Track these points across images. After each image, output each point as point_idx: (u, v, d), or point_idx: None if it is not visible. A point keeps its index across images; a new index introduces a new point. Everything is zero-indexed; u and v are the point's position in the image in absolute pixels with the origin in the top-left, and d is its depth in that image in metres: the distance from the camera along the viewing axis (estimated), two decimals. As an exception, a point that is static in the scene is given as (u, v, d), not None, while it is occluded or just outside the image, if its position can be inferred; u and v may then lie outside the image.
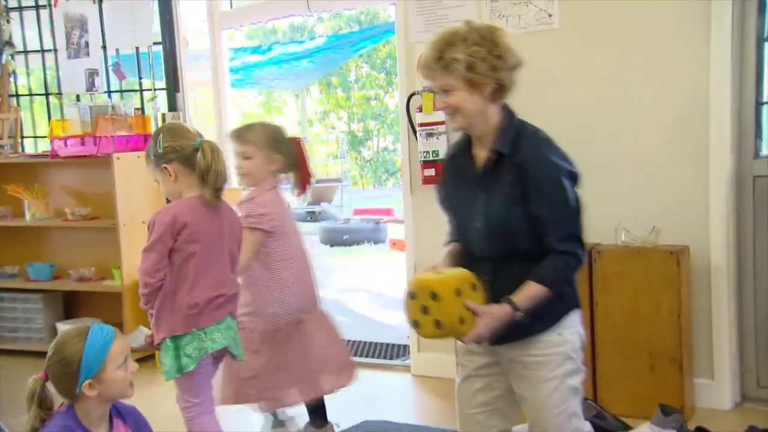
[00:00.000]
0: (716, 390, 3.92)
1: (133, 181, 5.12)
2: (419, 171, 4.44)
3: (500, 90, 2.69)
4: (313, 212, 12.39)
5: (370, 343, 5.45)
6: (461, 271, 2.60)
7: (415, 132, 4.46)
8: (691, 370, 3.85)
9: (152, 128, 5.35)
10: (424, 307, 2.48)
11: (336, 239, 11.43)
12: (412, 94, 4.46)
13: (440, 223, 4.33)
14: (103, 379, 2.47)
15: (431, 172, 4.37)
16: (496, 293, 2.63)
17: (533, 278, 2.62)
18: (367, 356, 5.22)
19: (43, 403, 2.43)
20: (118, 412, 2.59)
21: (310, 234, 10.49)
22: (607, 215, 3.95)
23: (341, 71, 18.93)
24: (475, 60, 2.63)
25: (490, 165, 2.73)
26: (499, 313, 2.56)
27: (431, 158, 4.38)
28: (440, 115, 4.31)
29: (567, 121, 4.06)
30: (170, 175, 3.05)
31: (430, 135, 4.38)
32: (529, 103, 4.11)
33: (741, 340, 3.97)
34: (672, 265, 3.73)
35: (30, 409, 2.43)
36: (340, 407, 3.84)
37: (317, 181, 14.54)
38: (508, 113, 2.77)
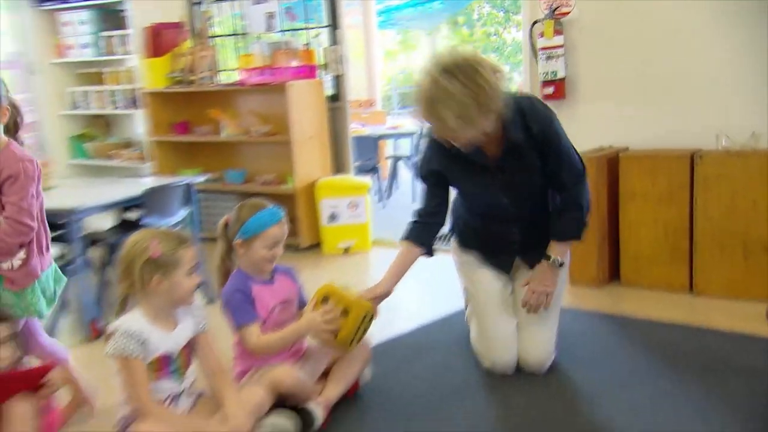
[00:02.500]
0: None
1: (302, 104, 5.18)
2: (539, 89, 4.29)
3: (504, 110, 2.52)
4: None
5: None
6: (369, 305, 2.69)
7: (536, 55, 4.30)
8: (780, 258, 3.66)
9: (317, 60, 5.39)
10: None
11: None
12: (535, 22, 4.27)
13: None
14: (249, 248, 2.57)
15: (550, 90, 4.24)
16: (528, 245, 2.87)
17: (566, 235, 2.81)
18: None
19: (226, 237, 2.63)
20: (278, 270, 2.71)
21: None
22: (709, 123, 3.77)
23: (466, 11, 18.64)
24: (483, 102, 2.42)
25: (506, 152, 2.67)
26: (550, 269, 2.80)
27: (550, 78, 4.23)
28: (559, 40, 4.17)
29: (670, 39, 3.85)
30: None
31: (549, 57, 4.22)
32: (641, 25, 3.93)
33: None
34: (768, 165, 3.52)
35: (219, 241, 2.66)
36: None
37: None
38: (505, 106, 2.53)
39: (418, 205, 2.95)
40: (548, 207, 2.87)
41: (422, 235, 2.88)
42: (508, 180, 2.74)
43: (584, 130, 4.16)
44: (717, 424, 2.41)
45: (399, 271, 2.88)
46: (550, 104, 4.17)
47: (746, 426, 2.39)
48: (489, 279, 2.97)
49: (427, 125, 2.64)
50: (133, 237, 2.33)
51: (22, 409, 2.08)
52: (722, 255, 3.67)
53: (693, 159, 3.68)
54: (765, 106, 3.67)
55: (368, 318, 2.63)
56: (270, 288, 2.65)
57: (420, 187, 2.98)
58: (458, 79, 2.38)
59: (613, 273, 4.04)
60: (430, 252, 2.91)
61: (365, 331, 2.64)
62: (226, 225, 2.66)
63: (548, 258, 2.80)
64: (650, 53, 3.97)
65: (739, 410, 2.50)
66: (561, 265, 2.82)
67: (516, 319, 2.92)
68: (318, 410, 2.52)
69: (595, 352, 3.08)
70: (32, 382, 2.10)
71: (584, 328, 3.34)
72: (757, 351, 3.00)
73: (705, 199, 3.67)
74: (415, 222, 2.91)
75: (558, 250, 2.81)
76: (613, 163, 3.93)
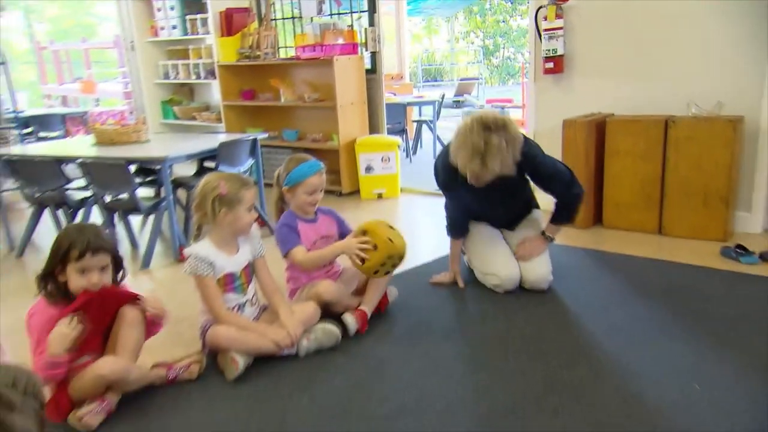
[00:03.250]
0: (751, 219, 3.66)
1: (345, 75, 5.10)
2: (542, 64, 4.15)
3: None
4: (458, 101, 12.02)
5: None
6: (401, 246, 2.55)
7: (540, 35, 4.14)
8: (734, 206, 3.58)
9: (358, 39, 5.27)
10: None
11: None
12: (540, 8, 4.10)
13: (554, 106, 4.12)
14: (294, 193, 2.57)
15: (551, 65, 4.09)
16: (514, 218, 3.03)
17: (559, 221, 2.88)
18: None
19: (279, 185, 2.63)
20: (321, 210, 2.70)
21: (455, 117, 10.29)
22: (681, 93, 3.65)
23: (480, 1, 18.34)
24: (506, 155, 2.52)
25: (501, 180, 2.65)
26: (543, 240, 2.91)
27: (551, 55, 4.07)
28: (560, 23, 4.02)
29: (652, 24, 3.70)
30: None
31: (551, 38, 4.05)
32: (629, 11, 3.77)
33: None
34: (730, 130, 3.38)
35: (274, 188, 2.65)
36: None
37: (461, 79, 14.32)
38: None
39: (447, 212, 3.02)
40: (529, 202, 3.02)
41: (460, 231, 3.03)
42: (501, 197, 2.83)
43: (578, 98, 4.06)
44: (680, 338, 2.38)
45: (456, 258, 3.06)
46: (550, 77, 4.13)
47: (702, 340, 2.35)
48: (484, 225, 3.05)
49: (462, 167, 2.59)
50: (207, 178, 2.36)
51: (133, 314, 2.13)
52: (687, 203, 3.58)
53: (667, 123, 3.56)
54: (729, 80, 3.53)
55: (395, 257, 2.52)
56: (313, 226, 2.65)
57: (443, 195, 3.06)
58: (499, 135, 2.48)
59: (597, 217, 3.96)
60: (466, 235, 3.04)
61: (392, 266, 2.55)
62: (278, 176, 2.65)
63: (543, 233, 2.90)
64: (635, 35, 3.81)
65: (697, 327, 2.46)
66: (552, 240, 2.91)
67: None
68: (350, 319, 2.53)
69: (582, 281, 3.04)
70: (134, 297, 2.14)
71: (572, 262, 3.30)
72: (712, 280, 2.95)
73: (676, 157, 3.56)
74: (450, 224, 3.02)
75: (552, 230, 2.92)
76: (601, 126, 3.82)
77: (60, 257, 1.97)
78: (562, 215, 2.89)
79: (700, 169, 3.49)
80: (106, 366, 1.96)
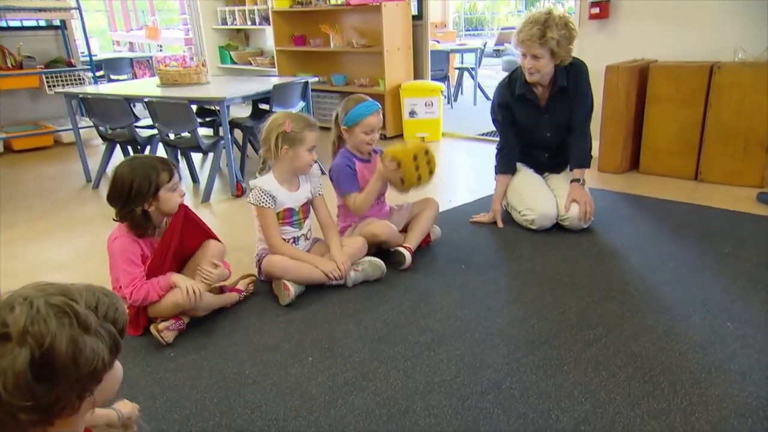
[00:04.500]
0: (789, 167, 3.43)
1: (392, 22, 4.93)
2: (587, 9, 3.90)
3: (565, 59, 2.69)
4: (498, 50, 11.57)
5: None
6: (417, 144, 2.49)
7: (586, -18, 3.89)
8: (772, 153, 3.35)
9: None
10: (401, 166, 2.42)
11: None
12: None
13: (598, 51, 3.89)
14: (352, 133, 2.50)
15: (596, 10, 3.83)
16: (556, 162, 2.99)
17: (583, 164, 2.87)
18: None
19: (337, 124, 2.59)
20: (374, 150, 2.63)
21: (495, 65, 9.93)
22: (727, 38, 3.39)
23: (522, -50, 17.32)
24: (561, 41, 2.60)
25: (552, 96, 2.78)
26: (580, 188, 2.82)
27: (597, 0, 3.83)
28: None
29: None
30: None
31: (597, -17, 3.81)
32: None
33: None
34: (774, 76, 3.15)
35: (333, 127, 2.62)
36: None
37: (502, 28, 13.75)
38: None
39: (499, 142, 3.01)
40: (565, 144, 2.96)
41: (508, 165, 2.98)
42: (551, 118, 2.84)
43: (622, 44, 3.82)
44: (710, 280, 2.29)
45: (499, 198, 3.00)
46: (595, 23, 3.90)
47: (735, 281, 2.25)
48: (527, 170, 3.01)
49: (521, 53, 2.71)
50: (275, 114, 2.34)
51: (215, 246, 2.19)
52: (725, 149, 3.39)
53: (712, 69, 3.33)
54: (777, 26, 3.26)
55: (419, 152, 2.42)
56: (368, 166, 2.60)
57: (496, 128, 3.02)
58: (560, 23, 2.62)
59: (634, 163, 3.80)
60: (514, 172, 3.00)
61: (428, 163, 2.45)
62: (337, 116, 2.59)
63: (578, 180, 2.86)
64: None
65: (729, 268, 2.36)
66: (584, 183, 2.87)
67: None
68: (406, 252, 2.51)
69: (616, 223, 2.94)
70: (215, 238, 2.22)
71: (608, 205, 3.19)
72: (747, 224, 2.81)
73: (718, 103, 3.34)
74: (500, 156, 2.98)
75: (580, 174, 2.87)
76: (644, 72, 3.60)
77: (152, 187, 1.98)
78: (583, 157, 2.88)
79: (742, 115, 3.28)
80: (180, 296, 2.00)
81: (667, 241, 2.67)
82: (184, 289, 1.99)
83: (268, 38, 6.29)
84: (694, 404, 1.58)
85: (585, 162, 2.88)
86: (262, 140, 2.32)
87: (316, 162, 2.40)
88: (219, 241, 2.23)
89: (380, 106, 2.59)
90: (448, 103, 6.85)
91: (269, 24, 5.91)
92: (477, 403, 1.62)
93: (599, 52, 3.86)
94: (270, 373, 1.81)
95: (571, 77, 2.76)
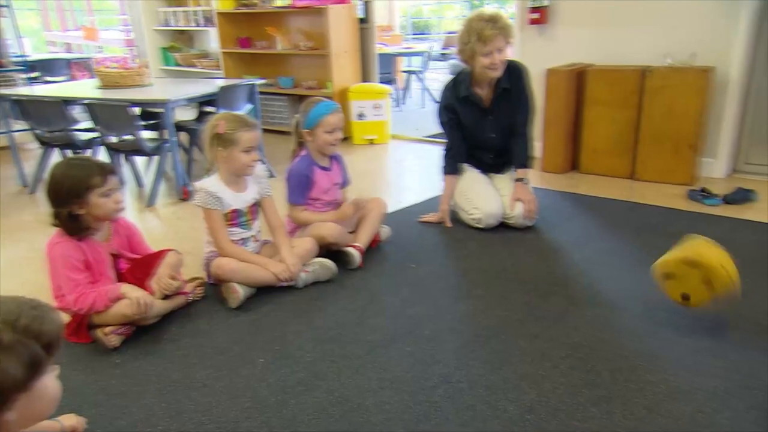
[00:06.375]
0: (716, 165, 3.66)
1: (338, 24, 4.96)
2: (527, 14, 4.03)
3: None
4: (445, 53, 11.71)
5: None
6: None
7: (526, -12, 4.02)
8: (701, 152, 3.56)
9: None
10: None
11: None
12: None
13: (538, 56, 4.01)
14: (315, 135, 2.51)
15: (536, 15, 3.97)
16: (500, 162, 3.05)
17: (523, 164, 2.95)
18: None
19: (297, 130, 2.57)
20: (333, 157, 2.65)
21: (442, 69, 10.06)
22: (658, 44, 3.57)
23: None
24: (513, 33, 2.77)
25: (496, 97, 2.85)
26: (524, 187, 2.92)
27: (537, 5, 3.95)
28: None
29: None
30: None
31: (537, -10, 3.94)
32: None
33: (738, 132, 3.62)
34: (702, 80, 3.34)
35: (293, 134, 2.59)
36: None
37: (448, 32, 13.95)
38: None
39: (446, 145, 3.06)
40: (508, 144, 3.04)
41: (455, 166, 3.04)
42: (495, 119, 2.92)
43: (560, 48, 3.97)
44: (646, 273, 2.39)
45: (447, 198, 3.04)
46: (535, 27, 4.02)
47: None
48: (473, 170, 3.08)
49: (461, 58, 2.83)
50: (215, 116, 2.34)
51: (175, 256, 2.21)
52: (658, 149, 3.56)
53: (644, 74, 3.50)
54: (703, 32, 3.46)
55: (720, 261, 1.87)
56: (327, 174, 2.62)
57: (443, 131, 3.06)
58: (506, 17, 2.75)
59: (574, 163, 3.95)
60: (461, 173, 3.06)
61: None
62: (297, 123, 2.59)
63: (521, 180, 2.94)
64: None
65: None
66: (528, 183, 2.96)
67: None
68: (355, 252, 2.53)
69: (559, 221, 3.05)
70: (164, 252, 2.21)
71: (551, 203, 3.30)
72: (678, 220, 2.97)
73: (650, 106, 3.52)
74: (447, 157, 3.04)
75: (523, 174, 2.95)
76: (581, 75, 3.75)
77: (81, 189, 1.92)
78: (524, 157, 2.96)
79: (672, 118, 3.46)
80: (127, 307, 1.96)
81: (606, 238, 2.79)
82: (134, 301, 1.95)
83: (212, 40, 6.19)
84: (631, 390, 1.66)
85: (526, 162, 2.97)
86: (202, 143, 2.31)
87: (264, 163, 2.39)
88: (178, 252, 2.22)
89: (340, 105, 2.60)
90: (397, 105, 6.91)
91: (214, 25, 5.82)
92: (427, 398, 1.65)
93: (539, 56, 3.99)
94: (220, 376, 1.79)
95: (513, 79, 2.84)
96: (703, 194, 3.22)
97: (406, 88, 7.47)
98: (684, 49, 3.47)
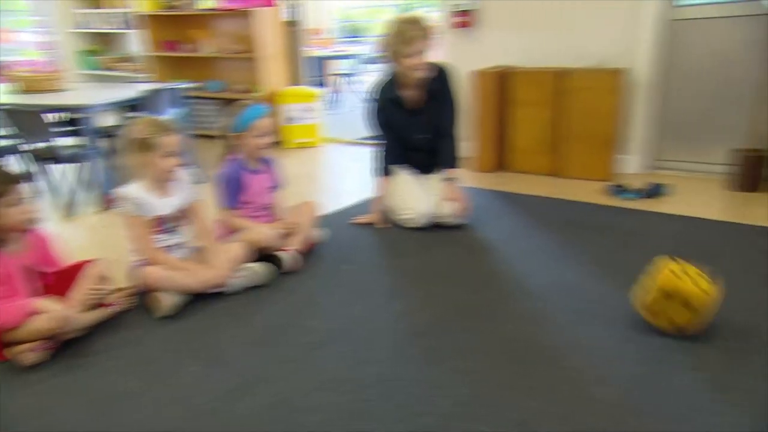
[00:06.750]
0: (632, 161, 3.84)
1: (265, 28, 4.91)
2: (451, 19, 4.13)
3: None
4: (375, 56, 11.86)
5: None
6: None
7: (450, -8, 4.12)
8: (616, 149, 3.73)
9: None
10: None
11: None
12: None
13: (463, 58, 4.09)
14: (244, 139, 2.49)
15: (461, 19, 4.07)
16: (431, 163, 3.06)
17: (450, 164, 2.99)
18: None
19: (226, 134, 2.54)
20: (263, 160, 2.62)
21: (373, 72, 10.11)
22: (575, 46, 3.73)
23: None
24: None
25: (425, 98, 2.89)
26: (453, 185, 2.95)
27: (459, 9, 4.06)
28: (469, -19, 3.98)
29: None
30: None
31: (462, -6, 4.05)
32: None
33: (650, 130, 3.82)
34: (615, 81, 3.52)
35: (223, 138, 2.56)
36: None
37: (379, 35, 13.98)
38: None
39: (379, 147, 3.06)
40: (437, 145, 3.07)
41: (387, 167, 3.05)
42: (425, 120, 2.95)
43: (485, 51, 4.08)
44: (572, 266, 2.51)
45: (380, 200, 3.07)
46: (458, 32, 4.11)
47: (592, 266, 2.49)
48: (404, 171, 3.10)
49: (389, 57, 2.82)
50: (133, 121, 2.28)
51: (94, 269, 2.14)
52: (579, 147, 3.73)
53: (562, 75, 3.66)
54: (615, 35, 3.64)
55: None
56: (257, 177, 2.59)
57: (376, 134, 3.06)
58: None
59: (503, 162, 4.07)
60: (393, 174, 3.08)
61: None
62: (226, 127, 2.55)
63: (451, 179, 2.99)
64: (536, -6, 3.86)
65: (585, 255, 2.60)
66: (457, 182, 3.02)
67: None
68: (287, 255, 2.51)
69: (490, 218, 3.13)
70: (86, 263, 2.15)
71: (481, 202, 3.38)
72: (598, 214, 3.11)
73: (570, 106, 3.67)
74: (379, 159, 3.04)
75: (451, 173, 2.99)
76: (505, 77, 3.87)
77: None
78: (452, 158, 3.00)
79: (590, 117, 3.63)
80: (44, 322, 1.87)
81: (533, 233, 2.90)
82: (53, 314, 1.86)
83: (135, 43, 5.97)
84: (559, 378, 1.73)
85: (453, 163, 3.02)
86: (121, 149, 2.24)
87: (194, 168, 2.34)
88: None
89: (270, 109, 2.57)
90: (328, 108, 6.91)
91: (136, 28, 5.62)
92: (361, 397, 1.66)
93: (467, 58, 4.09)
94: (150, 387, 1.74)
95: (440, 80, 2.89)
96: (619, 189, 3.40)
97: (338, 91, 7.48)
98: (599, 52, 3.66)
